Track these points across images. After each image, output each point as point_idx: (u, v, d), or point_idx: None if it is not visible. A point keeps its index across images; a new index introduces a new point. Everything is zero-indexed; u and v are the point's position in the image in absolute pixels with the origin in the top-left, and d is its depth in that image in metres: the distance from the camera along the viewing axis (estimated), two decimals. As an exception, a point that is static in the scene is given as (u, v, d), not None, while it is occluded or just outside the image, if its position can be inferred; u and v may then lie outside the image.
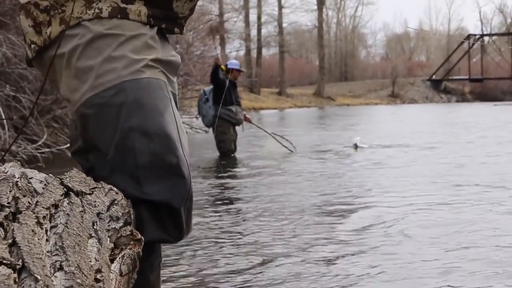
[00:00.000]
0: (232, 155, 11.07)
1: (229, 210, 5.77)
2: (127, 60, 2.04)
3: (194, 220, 2.21)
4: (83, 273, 1.24)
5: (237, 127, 11.41)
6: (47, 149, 10.08)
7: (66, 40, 2.05)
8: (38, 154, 9.57)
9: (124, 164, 2.01)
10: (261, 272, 3.70)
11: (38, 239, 1.27)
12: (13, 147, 9.11)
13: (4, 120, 8.97)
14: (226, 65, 11.49)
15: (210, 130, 11.88)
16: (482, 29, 78.23)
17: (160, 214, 2.03)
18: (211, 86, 11.34)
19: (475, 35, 68.56)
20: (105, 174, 2.02)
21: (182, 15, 2.23)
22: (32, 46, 2.15)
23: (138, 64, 2.05)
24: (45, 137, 10.25)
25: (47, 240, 1.31)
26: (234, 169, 9.51)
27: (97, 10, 2.05)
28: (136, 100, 2.02)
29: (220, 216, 5.52)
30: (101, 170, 2.05)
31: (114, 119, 2.01)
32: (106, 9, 2.06)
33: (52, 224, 1.39)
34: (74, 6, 2.04)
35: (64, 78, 2.08)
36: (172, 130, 2.07)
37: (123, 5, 2.08)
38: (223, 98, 10.93)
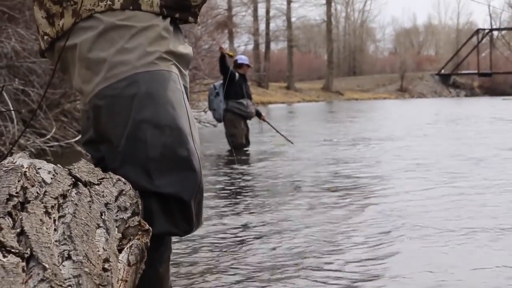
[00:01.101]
0: (245, 149, 11.04)
1: (242, 201, 5.79)
2: (140, 51, 2.04)
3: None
4: (91, 262, 1.25)
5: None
6: (55, 143, 10.10)
7: (79, 32, 2.05)
8: (47, 148, 9.59)
9: (135, 156, 2.01)
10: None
11: (46, 228, 1.27)
12: (21, 141, 9.14)
13: (13, 114, 8.99)
14: (235, 60, 11.50)
15: (219, 124, 11.85)
16: (491, 24, 77.98)
17: (169, 207, 2.03)
18: (221, 81, 11.33)
19: (484, 29, 68.35)
20: (116, 165, 2.02)
21: (195, 3, 2.23)
22: (45, 37, 2.16)
23: (151, 56, 2.05)
24: (53, 130, 10.26)
25: (55, 229, 1.32)
26: (246, 160, 9.57)
27: (109, 2, 2.05)
28: (148, 92, 2.02)
29: (235, 206, 5.55)
30: (112, 161, 2.05)
31: (126, 110, 2.01)
32: (118, 1, 2.06)
33: (60, 213, 1.40)
34: None
35: (77, 70, 2.08)
36: (184, 123, 2.07)
37: None
38: (234, 91, 10.95)
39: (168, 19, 2.14)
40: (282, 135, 11.75)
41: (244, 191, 6.62)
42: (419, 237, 4.25)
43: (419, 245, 4.06)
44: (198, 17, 2.30)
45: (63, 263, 1.19)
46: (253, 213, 5.31)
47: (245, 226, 4.80)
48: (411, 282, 3.30)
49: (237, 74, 11.04)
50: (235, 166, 8.71)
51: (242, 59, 11.61)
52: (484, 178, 6.80)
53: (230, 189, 6.73)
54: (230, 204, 5.78)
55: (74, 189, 1.55)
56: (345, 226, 4.68)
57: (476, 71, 64.89)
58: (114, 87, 2.02)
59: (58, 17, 2.10)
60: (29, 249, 1.14)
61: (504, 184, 6.34)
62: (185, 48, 2.21)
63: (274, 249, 4.07)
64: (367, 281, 3.34)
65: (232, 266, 3.69)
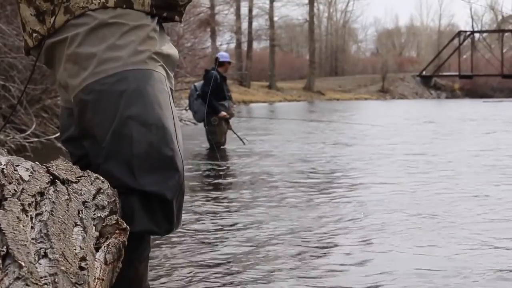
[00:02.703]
0: (222, 147, 11.08)
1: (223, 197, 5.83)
2: (131, 49, 2.06)
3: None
4: (67, 260, 1.24)
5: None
6: (35, 139, 10.04)
7: (70, 28, 2.06)
8: (27, 144, 9.53)
9: (120, 152, 2.01)
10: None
11: (23, 226, 1.27)
12: (1, 136, 9.08)
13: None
14: (217, 58, 11.47)
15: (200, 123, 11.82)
16: (472, 26, 78.35)
17: (151, 205, 2.03)
18: (202, 82, 11.29)
19: (465, 31, 68.58)
20: (99, 161, 2.03)
21: (182, 2, 2.25)
22: (34, 35, 2.15)
23: (142, 55, 2.07)
24: (33, 126, 10.20)
25: (32, 227, 1.31)
26: (224, 157, 9.76)
27: (103, 0, 2.06)
28: (137, 90, 2.03)
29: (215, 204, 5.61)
30: (96, 157, 2.06)
31: (114, 106, 2.02)
32: None
33: (38, 211, 1.39)
34: None
35: (64, 64, 2.08)
36: (169, 124, 2.08)
37: None
38: (216, 93, 10.95)
39: (156, 19, 2.16)
40: (241, 139, 11.71)
41: (220, 186, 6.81)
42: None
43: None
44: (183, 16, 2.32)
45: (39, 261, 1.19)
46: (226, 206, 5.47)
47: (216, 220, 4.90)
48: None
49: (219, 77, 11.02)
50: (213, 162, 8.87)
51: (224, 56, 11.55)
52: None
53: (206, 185, 6.86)
54: (205, 198, 5.88)
55: (52, 187, 1.54)
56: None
57: (457, 73, 64.99)
58: (103, 82, 2.03)
59: (49, 15, 2.10)
60: (5, 247, 1.14)
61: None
62: (171, 49, 2.23)
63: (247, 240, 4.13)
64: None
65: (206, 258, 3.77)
